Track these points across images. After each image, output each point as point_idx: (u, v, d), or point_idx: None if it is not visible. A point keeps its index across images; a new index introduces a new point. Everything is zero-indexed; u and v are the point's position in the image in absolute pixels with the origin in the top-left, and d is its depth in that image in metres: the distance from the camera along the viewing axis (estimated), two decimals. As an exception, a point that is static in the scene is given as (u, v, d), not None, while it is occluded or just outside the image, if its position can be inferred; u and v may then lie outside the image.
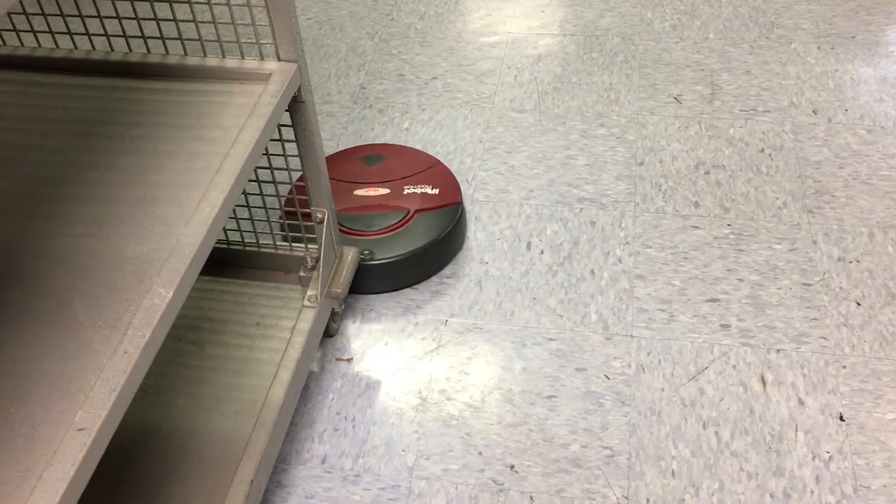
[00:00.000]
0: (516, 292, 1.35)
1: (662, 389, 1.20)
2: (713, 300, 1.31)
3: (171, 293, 0.74)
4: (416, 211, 1.37)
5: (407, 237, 1.34)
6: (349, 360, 1.27)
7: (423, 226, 1.36)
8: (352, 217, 1.36)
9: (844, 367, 1.21)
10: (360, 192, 1.40)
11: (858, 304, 1.29)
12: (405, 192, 1.40)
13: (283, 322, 1.15)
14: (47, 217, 0.83)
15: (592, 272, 1.37)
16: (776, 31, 1.82)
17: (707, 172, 1.52)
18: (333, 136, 1.65)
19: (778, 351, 1.24)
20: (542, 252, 1.40)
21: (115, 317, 0.73)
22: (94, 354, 0.71)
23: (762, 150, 1.55)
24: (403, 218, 1.35)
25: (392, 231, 1.34)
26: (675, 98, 1.68)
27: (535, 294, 1.34)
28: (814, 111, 1.63)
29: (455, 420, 1.18)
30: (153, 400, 1.08)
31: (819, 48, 1.77)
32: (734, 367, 1.22)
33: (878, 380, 1.19)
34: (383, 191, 1.40)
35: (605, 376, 1.22)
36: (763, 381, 1.20)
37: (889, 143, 1.55)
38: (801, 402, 1.17)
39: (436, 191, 1.41)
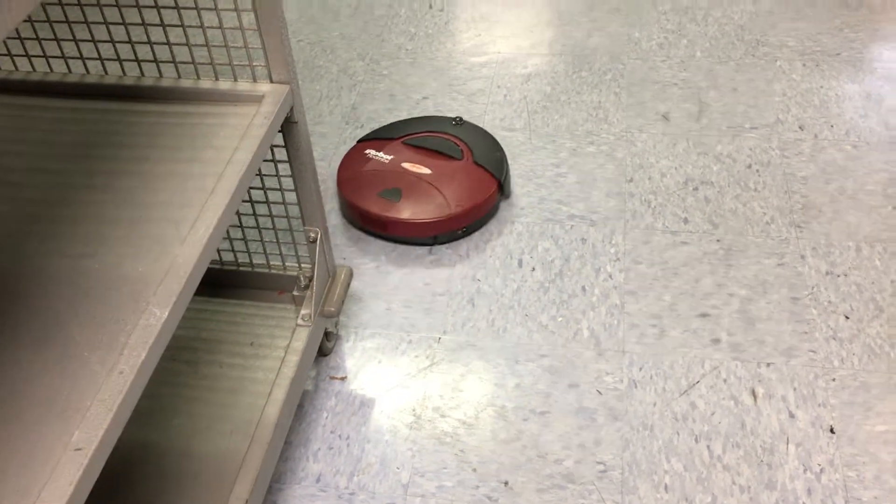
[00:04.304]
0: (508, 309, 1.36)
1: (654, 404, 1.21)
2: (703, 315, 1.32)
3: (167, 313, 0.74)
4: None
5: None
6: (343, 378, 1.27)
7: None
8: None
9: (834, 379, 1.22)
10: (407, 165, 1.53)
11: (847, 318, 1.30)
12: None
13: (277, 341, 1.16)
14: (44, 238, 0.84)
15: (584, 288, 1.38)
16: (762, 48, 1.85)
17: (696, 189, 1.54)
18: (325, 156, 1.66)
19: (768, 365, 1.25)
20: (533, 269, 1.42)
21: (111, 337, 0.74)
22: (91, 374, 0.71)
23: (749, 167, 1.57)
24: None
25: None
26: (664, 116, 1.70)
27: (527, 311, 1.35)
28: (800, 127, 1.65)
29: (449, 437, 1.19)
30: (148, 420, 1.08)
31: (804, 65, 1.80)
32: (725, 381, 1.23)
33: (867, 392, 1.20)
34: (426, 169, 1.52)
35: (598, 392, 1.23)
36: (754, 394, 1.21)
37: (874, 158, 1.57)
38: (791, 416, 1.18)
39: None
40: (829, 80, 1.75)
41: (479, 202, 1.46)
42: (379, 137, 1.59)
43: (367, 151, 1.55)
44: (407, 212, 1.44)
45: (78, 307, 0.77)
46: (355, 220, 1.50)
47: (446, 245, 1.47)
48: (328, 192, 1.58)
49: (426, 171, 1.49)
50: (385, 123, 1.68)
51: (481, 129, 1.61)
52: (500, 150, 1.56)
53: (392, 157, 1.53)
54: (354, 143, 1.62)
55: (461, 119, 1.61)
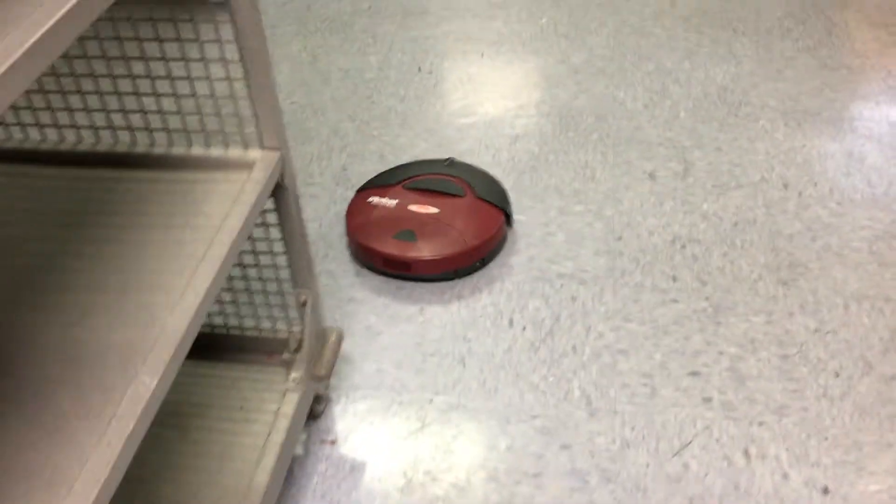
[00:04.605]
0: (499, 369, 1.35)
1: (647, 465, 1.20)
2: (694, 373, 1.33)
3: (156, 382, 0.74)
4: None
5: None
6: (333, 442, 1.26)
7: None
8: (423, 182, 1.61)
9: (826, 438, 1.22)
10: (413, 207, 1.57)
11: (837, 375, 1.31)
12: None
13: (266, 406, 1.15)
14: (33, 307, 0.84)
15: (574, 348, 1.38)
16: (744, 109, 1.89)
17: (683, 247, 1.55)
18: (317, 217, 1.67)
19: (760, 424, 1.24)
20: (524, 328, 1.42)
21: (99, 407, 0.74)
22: (78, 445, 0.71)
23: (736, 224, 1.59)
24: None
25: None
26: (650, 174, 1.72)
27: (518, 371, 1.35)
28: (784, 185, 1.67)
29: (441, 501, 1.17)
30: (136, 488, 1.07)
31: (786, 125, 1.83)
32: (717, 440, 1.23)
33: (859, 451, 1.20)
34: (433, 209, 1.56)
35: (590, 453, 1.22)
36: (747, 454, 1.21)
37: (858, 215, 1.59)
38: (785, 476, 1.18)
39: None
40: (812, 139, 1.79)
41: (493, 234, 1.53)
42: (378, 185, 1.64)
43: (371, 199, 1.60)
44: (427, 250, 1.49)
45: (66, 376, 0.77)
46: (374, 265, 1.54)
47: (437, 304, 1.47)
48: (319, 253, 1.59)
49: (434, 210, 1.55)
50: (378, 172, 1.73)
51: (474, 167, 1.68)
52: (498, 183, 1.64)
53: (397, 201, 1.58)
54: (354, 193, 1.66)
55: (452, 159, 1.68)
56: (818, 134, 1.80)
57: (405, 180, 1.62)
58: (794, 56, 2.04)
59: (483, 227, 1.53)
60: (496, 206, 1.58)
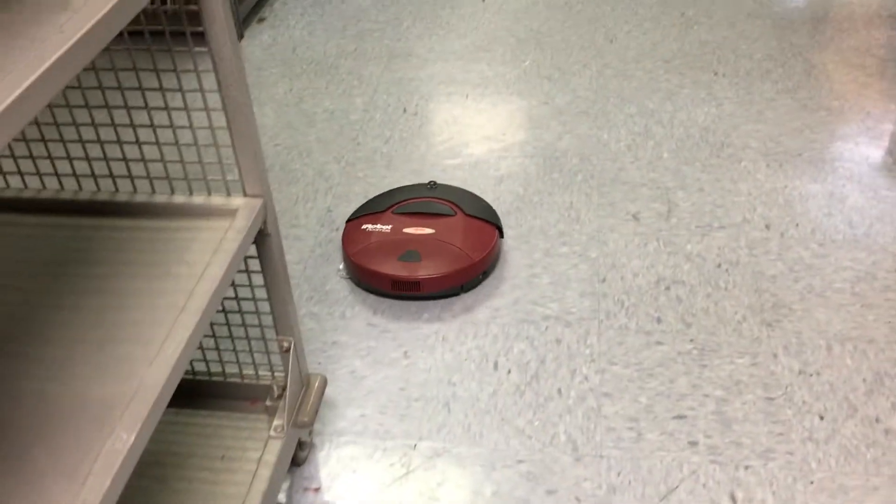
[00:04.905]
0: (485, 413, 1.34)
1: (634, 511, 1.19)
2: (680, 417, 1.32)
3: (133, 438, 0.73)
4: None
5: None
6: (317, 489, 1.25)
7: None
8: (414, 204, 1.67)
9: (812, 482, 1.21)
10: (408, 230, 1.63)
11: (821, 418, 1.30)
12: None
13: (248, 454, 1.14)
14: (10, 359, 0.83)
15: (559, 391, 1.37)
16: (726, 150, 1.91)
17: (667, 288, 1.56)
18: (301, 259, 1.67)
19: (746, 468, 1.24)
20: (509, 372, 1.41)
21: (75, 463, 0.72)
22: (53, 504, 0.69)
23: (719, 266, 1.60)
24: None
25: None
26: (634, 216, 1.73)
27: (503, 415, 1.34)
28: (766, 226, 1.69)
29: (425, 550, 1.16)
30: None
31: (768, 166, 1.85)
32: (704, 485, 1.22)
33: (845, 495, 1.19)
34: (429, 230, 1.62)
35: (577, 498, 1.21)
36: (733, 499, 1.20)
37: (840, 255, 1.60)
38: (772, 521, 1.17)
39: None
40: (793, 180, 1.81)
41: (491, 247, 1.59)
42: (368, 213, 1.68)
43: (365, 226, 1.64)
44: (433, 269, 1.54)
45: (41, 432, 0.76)
46: (375, 287, 1.58)
47: (421, 348, 1.46)
48: (303, 296, 1.59)
49: (429, 231, 1.61)
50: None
51: (458, 188, 1.73)
52: (483, 200, 1.71)
53: (391, 226, 1.63)
54: (339, 233, 1.70)
55: (435, 183, 1.74)
56: (799, 175, 1.82)
57: (393, 206, 1.68)
58: (774, 97, 2.07)
59: (481, 241, 1.59)
60: (487, 221, 1.64)
